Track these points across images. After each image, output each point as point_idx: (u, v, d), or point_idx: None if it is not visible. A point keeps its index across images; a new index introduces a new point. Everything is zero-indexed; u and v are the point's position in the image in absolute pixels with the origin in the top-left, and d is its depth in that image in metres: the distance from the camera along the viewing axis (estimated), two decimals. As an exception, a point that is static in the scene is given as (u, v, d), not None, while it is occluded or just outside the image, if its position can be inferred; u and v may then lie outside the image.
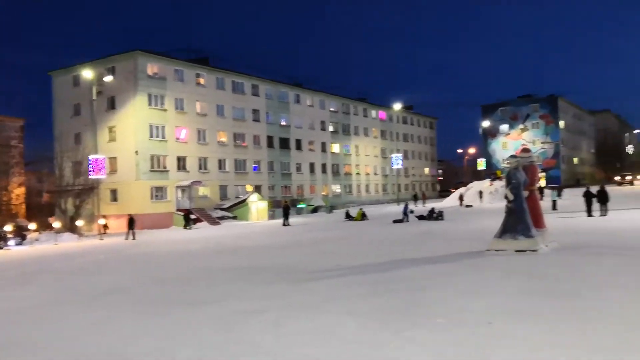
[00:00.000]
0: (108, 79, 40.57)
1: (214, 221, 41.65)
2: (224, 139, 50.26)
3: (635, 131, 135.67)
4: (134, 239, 30.13)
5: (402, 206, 36.17)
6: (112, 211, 40.07)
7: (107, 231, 33.47)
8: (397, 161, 63.26)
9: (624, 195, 42.58)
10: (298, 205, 52.19)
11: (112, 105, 44.06)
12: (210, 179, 47.86)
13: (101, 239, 31.71)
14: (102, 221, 34.43)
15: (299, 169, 59.56)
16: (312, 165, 61.47)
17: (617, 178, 77.61)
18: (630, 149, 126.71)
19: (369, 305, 8.56)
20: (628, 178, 75.03)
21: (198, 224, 39.88)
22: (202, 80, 48.88)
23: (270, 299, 9.65)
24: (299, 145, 59.60)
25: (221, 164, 49.75)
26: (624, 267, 11.04)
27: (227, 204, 46.83)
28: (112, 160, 43.03)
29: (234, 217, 44.59)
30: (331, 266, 13.57)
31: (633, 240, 15.46)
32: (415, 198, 53.11)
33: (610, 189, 30.32)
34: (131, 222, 31.02)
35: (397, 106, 69.14)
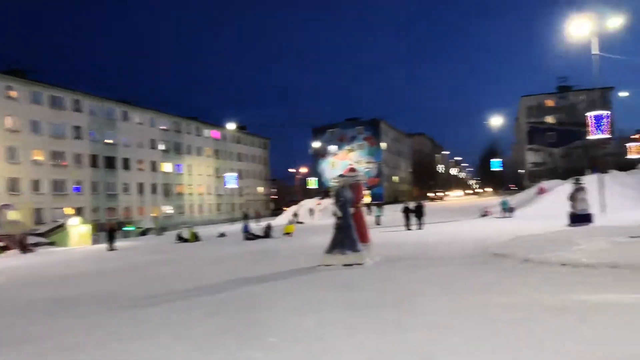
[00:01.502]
0: None
1: (26, 249, 37.36)
2: (39, 158, 45.69)
3: (445, 152, 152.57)
4: None
5: (239, 225, 35.86)
6: None
7: None
8: (231, 180, 62.92)
9: (437, 210, 47.30)
10: (125, 228, 49.13)
11: None
12: (22, 202, 43.05)
13: None
14: None
15: (126, 189, 56.29)
16: (141, 186, 58.54)
17: (431, 194, 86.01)
18: (441, 168, 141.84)
19: (201, 328, 8.23)
20: (440, 194, 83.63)
21: (7, 252, 35.47)
22: (14, 93, 44.02)
23: (90, 331, 8.79)
24: (126, 165, 56.42)
25: (36, 185, 45.10)
26: (436, 276, 12.12)
27: (43, 229, 42.44)
28: None
29: (51, 243, 40.49)
30: (161, 291, 12.88)
31: (444, 251, 17.11)
32: (245, 217, 53.14)
33: (425, 204, 33.36)
34: None
35: (231, 126, 69.17)
